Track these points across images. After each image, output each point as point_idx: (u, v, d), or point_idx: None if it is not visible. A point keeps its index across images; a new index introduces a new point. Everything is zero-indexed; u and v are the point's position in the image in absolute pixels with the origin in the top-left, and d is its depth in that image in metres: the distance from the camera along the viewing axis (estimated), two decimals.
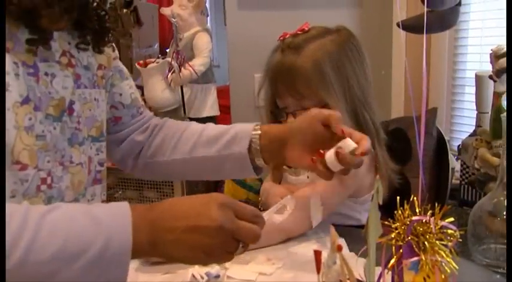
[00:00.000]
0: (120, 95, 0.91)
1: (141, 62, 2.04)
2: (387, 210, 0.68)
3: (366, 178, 1.00)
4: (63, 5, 0.70)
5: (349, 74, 0.98)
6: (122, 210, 0.60)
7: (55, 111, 0.74)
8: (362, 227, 0.53)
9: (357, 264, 0.54)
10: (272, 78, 1.01)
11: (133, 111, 0.93)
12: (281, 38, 1.01)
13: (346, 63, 0.98)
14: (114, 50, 0.90)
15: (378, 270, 0.53)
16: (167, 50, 2.23)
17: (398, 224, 0.55)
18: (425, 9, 1.11)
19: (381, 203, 0.51)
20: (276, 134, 0.84)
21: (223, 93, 2.19)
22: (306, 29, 1.00)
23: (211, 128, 0.92)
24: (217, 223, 0.60)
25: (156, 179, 1.76)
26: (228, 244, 0.62)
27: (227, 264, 0.79)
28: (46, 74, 0.73)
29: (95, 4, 0.79)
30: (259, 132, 0.85)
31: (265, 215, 0.72)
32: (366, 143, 0.73)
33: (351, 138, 0.73)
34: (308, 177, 1.03)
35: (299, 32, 1.00)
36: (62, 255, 0.55)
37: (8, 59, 0.67)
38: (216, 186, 2.06)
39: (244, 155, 0.85)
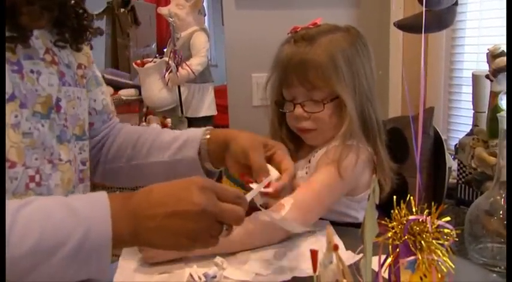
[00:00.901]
0: (94, 101, 0.91)
1: (139, 61, 2.04)
2: (384, 209, 0.68)
3: (363, 176, 1.00)
4: (43, 2, 0.70)
5: (359, 70, 0.98)
6: (99, 200, 0.59)
7: (43, 109, 0.74)
8: (359, 225, 0.53)
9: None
10: (283, 68, 1.00)
11: (104, 117, 0.94)
12: (292, 31, 1.01)
13: (357, 59, 0.99)
14: (92, 48, 0.90)
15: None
16: (165, 50, 2.23)
17: (395, 223, 0.55)
18: (424, 9, 1.11)
19: (377, 202, 0.51)
20: (223, 139, 0.86)
21: (220, 93, 2.19)
22: (318, 23, 1.01)
23: (166, 133, 0.94)
24: (199, 207, 0.59)
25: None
26: (211, 228, 0.61)
27: (224, 265, 0.79)
28: (32, 71, 0.73)
29: (73, 2, 0.79)
30: (208, 136, 0.87)
31: (249, 195, 0.71)
32: (289, 174, 0.79)
33: (279, 164, 0.80)
34: (307, 173, 1.03)
35: (311, 26, 1.01)
36: (39, 249, 0.54)
37: None
38: None
39: (194, 159, 0.86)
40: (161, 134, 0.94)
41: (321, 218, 0.99)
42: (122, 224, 0.58)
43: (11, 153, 0.68)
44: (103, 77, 2.17)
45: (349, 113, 0.96)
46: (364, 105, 1.00)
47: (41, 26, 0.75)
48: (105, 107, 0.94)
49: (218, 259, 0.80)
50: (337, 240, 0.83)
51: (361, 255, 0.52)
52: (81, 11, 0.80)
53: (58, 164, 0.76)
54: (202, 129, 0.90)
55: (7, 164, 0.68)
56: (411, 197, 0.55)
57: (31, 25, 0.72)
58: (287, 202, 0.92)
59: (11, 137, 0.69)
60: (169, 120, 1.97)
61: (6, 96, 0.69)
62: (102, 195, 0.60)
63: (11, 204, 0.57)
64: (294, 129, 1.05)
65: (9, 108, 0.69)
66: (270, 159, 0.83)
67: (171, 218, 0.59)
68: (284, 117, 1.05)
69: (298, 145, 1.09)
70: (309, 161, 1.03)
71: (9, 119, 0.69)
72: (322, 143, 1.03)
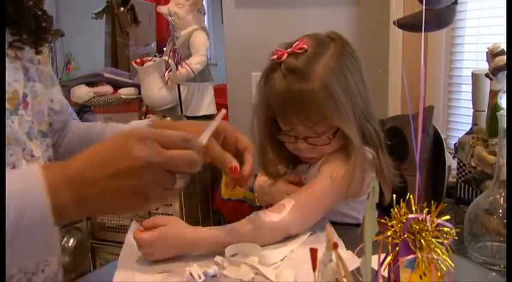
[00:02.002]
0: (51, 100, 0.87)
1: (138, 60, 2.03)
2: (384, 209, 0.68)
3: (366, 178, 1.00)
4: None
5: (352, 87, 0.95)
6: (31, 173, 0.55)
7: (10, 105, 0.71)
8: (358, 225, 0.53)
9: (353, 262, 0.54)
10: (279, 104, 0.96)
11: (63, 117, 0.91)
12: (276, 58, 0.95)
13: (348, 75, 0.95)
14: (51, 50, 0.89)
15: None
16: (164, 49, 2.23)
17: (394, 222, 0.55)
18: (424, 7, 1.11)
19: (377, 201, 0.51)
20: (168, 128, 0.82)
21: (220, 92, 2.19)
22: (304, 47, 0.94)
23: (111, 127, 0.93)
24: (142, 160, 0.55)
25: None
26: (161, 179, 0.57)
27: (224, 264, 0.79)
28: None
29: (31, 3, 0.75)
30: (151, 126, 0.86)
31: (202, 137, 0.67)
32: (249, 152, 0.80)
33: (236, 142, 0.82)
34: (310, 167, 1.03)
35: (297, 51, 0.94)
36: None
37: None
38: (213, 185, 2.06)
39: None
40: (107, 127, 0.94)
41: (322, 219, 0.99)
42: (62, 194, 0.54)
43: None
44: (103, 76, 2.16)
45: (352, 140, 0.94)
46: (362, 122, 0.97)
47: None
48: (64, 107, 0.91)
49: (218, 258, 0.80)
50: (336, 239, 0.83)
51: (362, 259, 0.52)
52: (39, 12, 0.77)
53: (31, 160, 0.74)
54: (145, 120, 0.90)
55: None
56: (411, 196, 0.55)
57: None
58: (288, 203, 0.92)
59: None
60: (169, 119, 1.97)
61: None
62: (34, 168, 0.55)
63: None
64: (295, 153, 1.03)
65: None
66: (223, 142, 0.81)
67: (115, 179, 0.55)
68: (274, 140, 1.03)
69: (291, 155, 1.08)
70: (309, 167, 1.03)
71: None
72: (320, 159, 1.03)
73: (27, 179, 0.54)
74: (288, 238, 0.91)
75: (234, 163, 0.77)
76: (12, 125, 0.71)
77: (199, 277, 0.75)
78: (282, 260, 0.83)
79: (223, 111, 0.74)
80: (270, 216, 0.90)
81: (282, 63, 0.95)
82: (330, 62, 0.94)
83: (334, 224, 0.93)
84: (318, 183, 0.96)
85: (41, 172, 0.54)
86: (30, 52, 0.79)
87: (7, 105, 0.71)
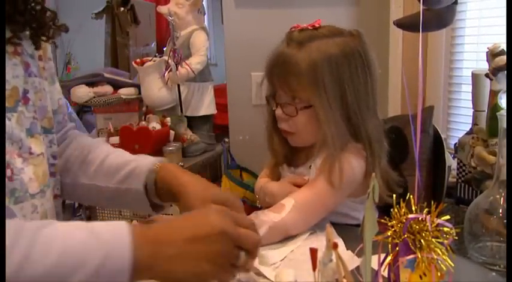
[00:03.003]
0: (50, 99, 0.85)
1: (138, 60, 2.03)
2: (384, 208, 0.68)
3: (364, 180, 0.99)
4: None
5: (346, 81, 0.95)
6: (120, 226, 0.58)
7: (9, 102, 0.71)
8: (359, 225, 0.53)
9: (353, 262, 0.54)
10: (269, 68, 1.01)
11: (59, 117, 0.89)
12: (292, 29, 1.00)
13: (345, 68, 0.95)
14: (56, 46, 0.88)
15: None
16: (164, 49, 2.22)
17: (394, 222, 0.55)
18: (421, 7, 1.11)
19: (377, 200, 0.51)
20: (171, 187, 0.81)
21: (220, 92, 2.18)
22: (317, 25, 0.98)
23: (115, 156, 0.90)
24: (218, 229, 0.60)
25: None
26: (231, 252, 0.61)
27: None
28: None
29: None
30: (154, 175, 0.83)
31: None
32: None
33: None
34: (310, 167, 1.03)
35: (309, 27, 0.98)
36: (59, 268, 0.53)
37: None
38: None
39: (140, 192, 0.83)
40: (110, 155, 0.90)
41: (322, 220, 0.99)
42: (142, 252, 0.57)
43: None
44: (103, 76, 2.15)
45: (324, 124, 0.94)
46: (351, 118, 0.97)
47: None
48: (61, 107, 0.89)
49: None
50: (336, 238, 0.83)
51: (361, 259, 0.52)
52: (38, 7, 0.76)
53: (29, 158, 0.74)
54: (152, 161, 0.86)
55: None
56: (411, 196, 0.55)
57: None
58: (288, 202, 0.92)
59: None
60: (168, 119, 1.96)
61: None
62: (122, 223, 0.59)
63: (29, 224, 0.56)
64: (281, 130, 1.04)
65: None
66: None
67: (191, 243, 0.59)
68: (278, 128, 1.04)
69: (294, 148, 1.08)
70: (310, 167, 1.03)
71: None
72: (304, 144, 1.03)
73: (118, 232, 0.57)
74: (288, 238, 0.91)
75: None
76: (9, 122, 0.71)
77: None
78: (282, 260, 0.83)
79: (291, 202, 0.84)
80: (270, 216, 0.90)
81: (291, 34, 0.99)
82: (331, 47, 0.95)
83: (334, 224, 0.93)
84: (319, 183, 0.96)
85: (129, 227, 0.57)
86: (31, 47, 0.78)
87: (6, 103, 0.71)
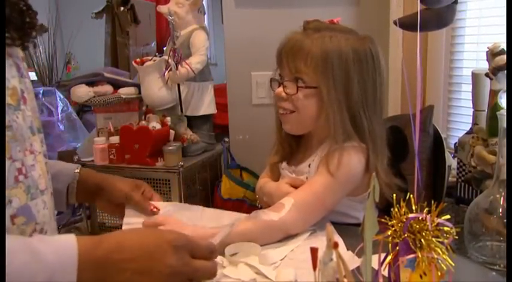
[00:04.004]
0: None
1: (138, 60, 2.03)
2: (385, 208, 0.68)
3: (364, 177, 1.00)
4: None
5: (355, 77, 0.96)
6: (67, 245, 0.57)
7: (13, 101, 0.72)
8: (359, 225, 0.53)
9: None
10: (279, 48, 1.03)
11: None
12: (308, 20, 1.03)
13: (356, 65, 0.97)
14: (35, 47, 0.88)
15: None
16: (164, 48, 2.22)
17: (394, 221, 0.55)
18: (419, 7, 1.11)
19: (377, 200, 0.51)
20: (95, 182, 0.97)
21: (220, 92, 2.18)
22: (335, 21, 1.03)
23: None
24: (171, 269, 0.59)
25: None
26: None
27: (224, 263, 0.79)
28: None
29: None
30: (77, 174, 0.96)
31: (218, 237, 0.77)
32: None
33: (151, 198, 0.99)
34: (310, 165, 1.03)
35: (327, 21, 1.03)
36: None
37: None
38: (213, 185, 2.06)
39: (62, 193, 0.93)
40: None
41: (322, 219, 0.99)
42: (87, 275, 0.56)
43: None
44: (103, 75, 2.15)
45: (328, 106, 0.96)
46: (355, 114, 0.98)
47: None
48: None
49: (218, 258, 0.80)
50: (337, 238, 0.83)
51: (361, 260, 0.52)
52: (24, 7, 0.76)
53: (37, 155, 0.76)
54: (73, 165, 0.98)
55: None
56: (411, 195, 0.55)
57: None
58: (287, 202, 0.92)
59: None
60: (168, 118, 1.96)
61: None
62: (70, 240, 0.58)
63: None
64: (277, 113, 1.06)
65: None
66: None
67: (141, 275, 0.59)
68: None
69: (297, 147, 1.09)
70: (309, 166, 1.04)
71: None
72: (301, 129, 1.04)
73: (64, 254, 0.56)
74: (288, 237, 0.91)
75: (152, 206, 0.95)
76: (17, 120, 0.72)
77: None
78: (282, 259, 0.83)
79: (240, 220, 0.86)
80: (270, 215, 0.90)
81: (308, 24, 1.02)
82: (344, 42, 0.97)
83: (334, 224, 0.93)
84: (317, 181, 0.96)
85: (76, 249, 0.57)
86: (17, 49, 0.79)
87: (10, 101, 0.72)
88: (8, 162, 0.69)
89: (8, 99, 0.72)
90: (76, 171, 0.97)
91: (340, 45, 0.97)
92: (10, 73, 0.74)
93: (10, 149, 0.70)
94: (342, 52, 0.96)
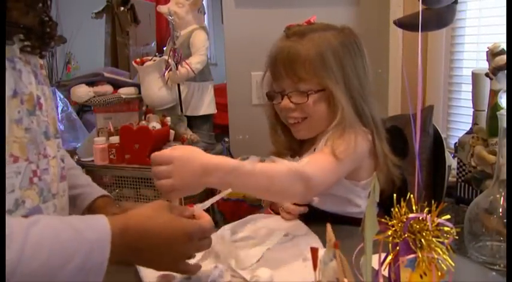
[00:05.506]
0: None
1: (138, 60, 2.03)
2: (385, 208, 0.67)
3: (365, 160, 1.01)
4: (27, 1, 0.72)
5: (349, 68, 1.00)
6: (102, 225, 0.63)
7: (29, 106, 0.76)
8: (359, 223, 0.53)
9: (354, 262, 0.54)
10: (273, 61, 1.04)
11: None
12: (287, 28, 1.04)
13: (347, 57, 1.00)
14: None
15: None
16: (164, 48, 2.22)
17: (395, 221, 0.55)
18: (420, 7, 1.11)
19: (377, 200, 0.51)
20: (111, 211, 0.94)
21: (220, 91, 2.18)
22: (312, 21, 1.04)
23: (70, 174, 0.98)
24: (183, 254, 0.71)
25: None
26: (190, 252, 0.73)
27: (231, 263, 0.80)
28: (13, 68, 0.74)
29: (40, 8, 0.78)
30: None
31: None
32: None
33: None
34: (315, 150, 1.03)
35: (305, 23, 1.04)
36: (48, 265, 0.57)
37: None
38: None
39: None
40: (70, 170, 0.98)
41: (323, 210, 0.99)
42: (113, 256, 0.62)
43: (14, 148, 0.70)
44: (103, 75, 2.15)
45: (339, 102, 0.98)
46: (356, 101, 1.01)
47: (29, 22, 0.75)
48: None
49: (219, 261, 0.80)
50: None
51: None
52: (46, 18, 0.81)
53: (50, 160, 0.79)
54: (94, 193, 0.98)
55: (10, 159, 0.70)
56: (411, 195, 0.55)
57: (20, 20, 0.73)
58: (304, 160, 0.94)
59: (15, 132, 0.71)
60: (168, 118, 1.96)
61: (10, 93, 0.71)
62: (103, 221, 0.64)
63: (18, 221, 0.59)
64: (286, 123, 1.07)
65: (13, 104, 0.71)
66: None
67: (157, 259, 0.69)
68: (280, 121, 1.07)
69: (298, 140, 1.09)
70: (314, 150, 1.03)
71: (14, 114, 0.71)
72: (313, 132, 1.04)
73: (100, 232, 0.62)
74: (263, 238, 0.91)
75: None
76: (33, 125, 0.75)
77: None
78: (258, 261, 0.83)
79: (230, 190, 0.84)
80: (292, 163, 0.90)
81: (288, 30, 1.03)
82: (331, 38, 1.01)
83: (334, 223, 0.93)
84: (327, 147, 0.96)
85: (109, 229, 0.63)
86: (36, 57, 0.82)
87: (27, 106, 0.75)
88: (24, 164, 0.71)
89: (26, 105, 0.75)
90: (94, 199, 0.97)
91: (330, 43, 1.00)
92: (28, 80, 0.77)
93: (27, 152, 0.72)
94: (334, 49, 0.99)
